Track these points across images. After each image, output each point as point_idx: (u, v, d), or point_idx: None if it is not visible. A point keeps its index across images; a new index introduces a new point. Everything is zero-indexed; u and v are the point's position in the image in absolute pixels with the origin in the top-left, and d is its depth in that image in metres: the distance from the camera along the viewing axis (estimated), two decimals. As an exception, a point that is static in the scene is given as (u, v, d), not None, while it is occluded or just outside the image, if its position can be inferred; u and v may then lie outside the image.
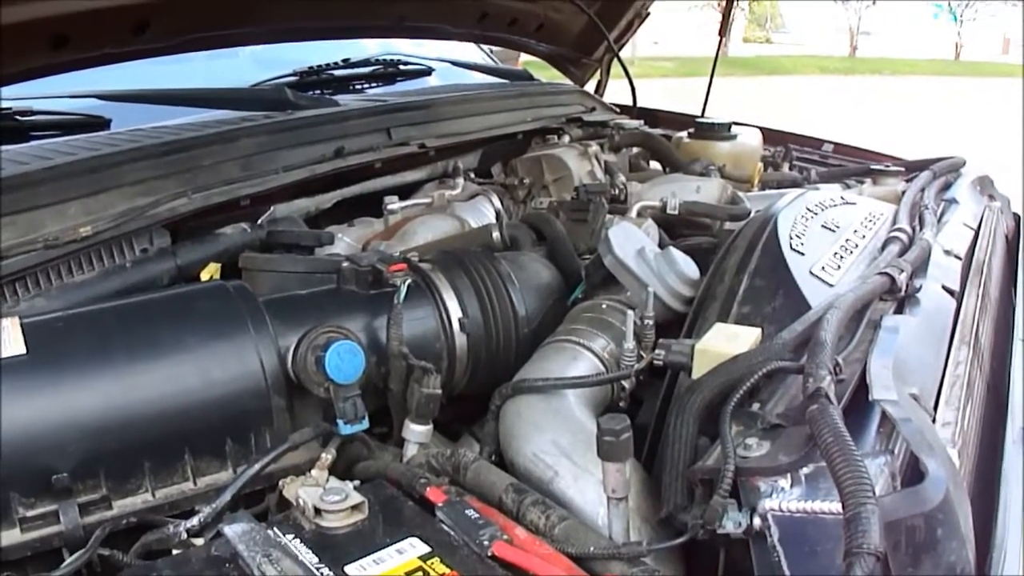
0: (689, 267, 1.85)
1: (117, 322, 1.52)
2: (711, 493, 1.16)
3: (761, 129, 3.37)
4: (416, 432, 1.61)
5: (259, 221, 2.17)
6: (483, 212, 2.58)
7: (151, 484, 1.42)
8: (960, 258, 2.05)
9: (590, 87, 4.03)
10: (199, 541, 1.34)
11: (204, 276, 1.96)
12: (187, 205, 2.01)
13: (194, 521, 1.35)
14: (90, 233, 1.80)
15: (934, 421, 1.33)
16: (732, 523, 1.13)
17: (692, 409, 1.30)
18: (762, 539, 1.11)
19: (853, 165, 3.23)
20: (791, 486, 1.12)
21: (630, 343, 1.63)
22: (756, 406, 1.32)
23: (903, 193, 2.47)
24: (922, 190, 2.45)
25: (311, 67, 3.21)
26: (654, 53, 26.18)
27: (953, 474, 1.12)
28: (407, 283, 1.70)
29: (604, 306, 1.84)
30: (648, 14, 3.93)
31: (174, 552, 1.32)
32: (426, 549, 1.20)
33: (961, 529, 1.07)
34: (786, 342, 1.38)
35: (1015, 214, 2.97)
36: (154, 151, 2.10)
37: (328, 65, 3.27)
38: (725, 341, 1.42)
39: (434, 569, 1.16)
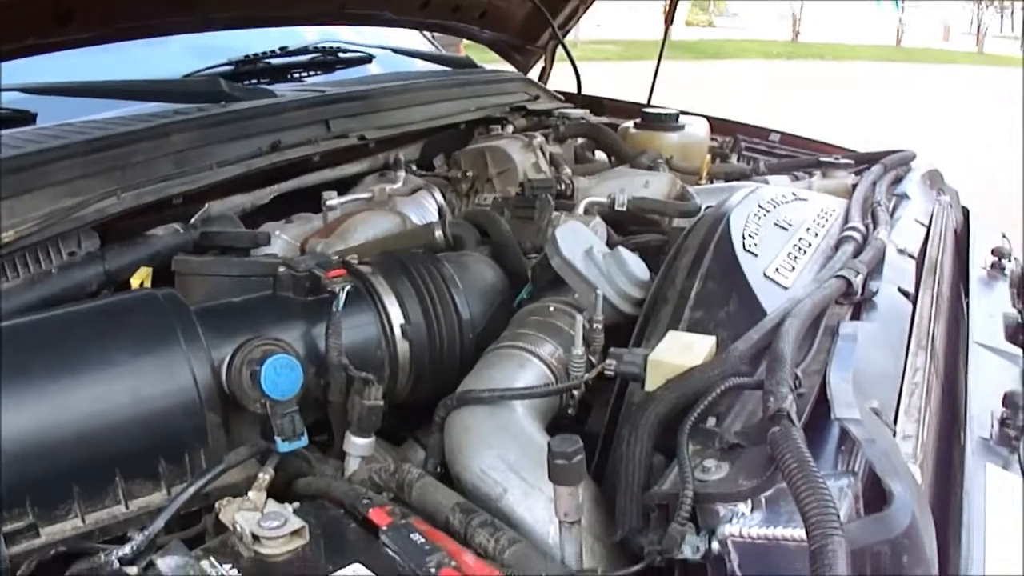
0: (639, 268, 1.79)
1: (39, 338, 1.43)
2: (668, 517, 1.11)
3: (708, 118, 3.32)
4: (358, 446, 1.54)
5: (192, 220, 2.08)
6: (425, 208, 2.51)
7: (81, 509, 1.33)
8: (913, 257, 2.02)
9: (534, 74, 3.98)
10: (132, 570, 1.25)
11: (135, 281, 1.86)
12: (116, 205, 1.91)
13: (126, 549, 1.26)
14: (13, 239, 1.70)
15: (895, 435, 1.29)
16: (690, 548, 1.09)
17: (646, 426, 1.25)
18: (721, 564, 1.07)
19: (802, 157, 3.21)
20: (751, 510, 1.07)
21: (579, 349, 1.57)
22: (712, 422, 1.27)
23: (854, 187, 2.45)
24: (873, 185, 2.42)
25: (247, 56, 3.10)
26: (597, 36, 26.15)
27: (918, 497, 1.08)
28: (346, 289, 1.63)
29: (552, 309, 1.78)
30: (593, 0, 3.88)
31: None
32: (371, 576, 1.14)
33: (927, 554, 1.03)
34: (742, 353, 1.33)
35: (963, 208, 2.95)
36: (81, 148, 1.99)
37: (264, 54, 3.16)
38: (679, 352, 1.37)
39: (379, 597, 1.10)
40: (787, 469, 0.99)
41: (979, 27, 38.44)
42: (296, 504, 1.31)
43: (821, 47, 33.26)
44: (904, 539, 0.99)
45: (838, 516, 0.92)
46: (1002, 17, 41.77)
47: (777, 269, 1.72)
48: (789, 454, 1.01)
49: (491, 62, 4.05)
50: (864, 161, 2.90)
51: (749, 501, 1.07)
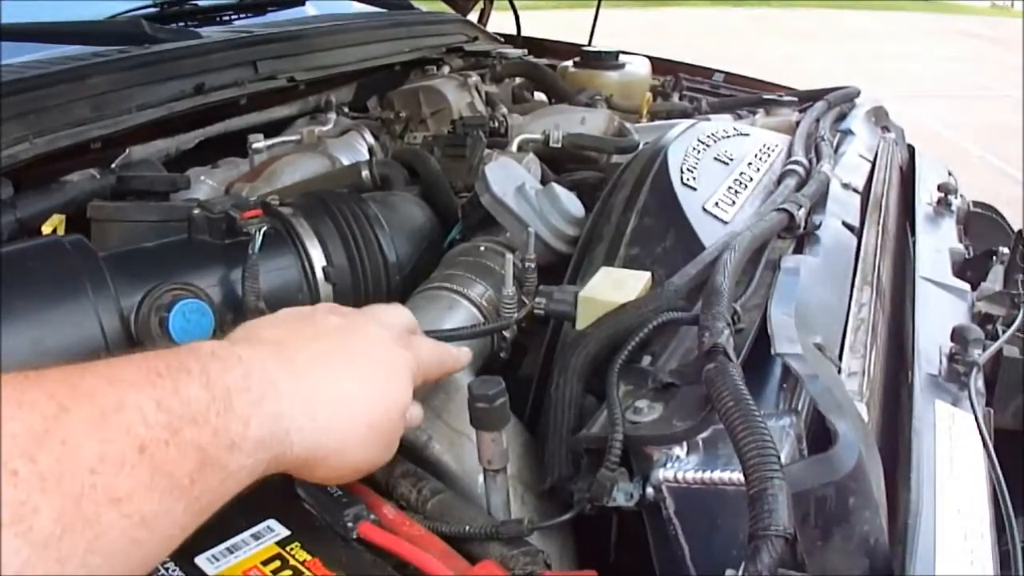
0: (573, 204, 1.71)
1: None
2: (599, 463, 1.03)
3: (650, 58, 3.28)
4: (277, 394, 1.45)
5: (112, 165, 1.98)
6: (356, 149, 2.42)
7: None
8: (858, 192, 1.97)
9: (473, 17, 3.89)
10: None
11: (47, 229, 1.76)
12: (29, 150, 1.81)
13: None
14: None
15: (840, 372, 1.23)
16: (623, 495, 1.01)
17: (575, 366, 1.17)
18: (656, 511, 1.00)
19: (745, 95, 3.15)
20: (687, 454, 1.00)
21: (509, 289, 1.49)
22: (647, 360, 1.20)
23: (797, 123, 2.39)
24: (817, 120, 2.37)
25: (172, -4, 2.99)
26: (543, -15, 25.91)
27: (865, 435, 1.02)
28: (263, 230, 1.54)
29: (482, 249, 1.70)
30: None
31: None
32: (286, 533, 1.05)
33: (874, 496, 0.96)
34: (679, 288, 1.27)
35: (909, 145, 2.91)
36: (-9, 93, 1.89)
37: (191, -7, 3.05)
38: (612, 288, 1.29)
39: (294, 556, 1.02)
40: (723, 408, 0.92)
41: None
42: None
43: (769, -7, 33.27)
44: (850, 481, 0.93)
45: (778, 457, 0.85)
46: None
47: (717, 203, 1.65)
48: (726, 392, 0.94)
49: (432, 6, 3.97)
50: (808, 98, 2.85)
51: (685, 444, 1.00)
